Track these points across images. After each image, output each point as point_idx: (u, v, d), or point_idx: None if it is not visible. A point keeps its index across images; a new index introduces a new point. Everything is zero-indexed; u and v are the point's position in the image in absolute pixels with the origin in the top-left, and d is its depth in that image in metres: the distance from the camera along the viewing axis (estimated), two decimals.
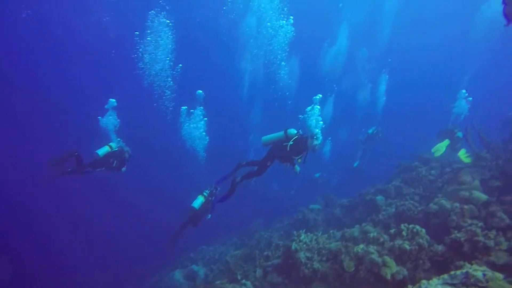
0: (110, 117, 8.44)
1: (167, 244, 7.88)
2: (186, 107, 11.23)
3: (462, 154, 8.68)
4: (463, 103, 11.51)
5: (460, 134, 9.71)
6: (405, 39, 30.72)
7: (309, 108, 6.69)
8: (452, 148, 9.34)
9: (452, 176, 7.11)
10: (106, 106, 8.48)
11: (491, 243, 4.62)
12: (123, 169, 7.73)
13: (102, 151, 7.13)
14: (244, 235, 13.10)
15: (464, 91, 11.62)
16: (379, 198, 8.31)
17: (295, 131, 6.24)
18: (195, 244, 13.04)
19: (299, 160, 6.18)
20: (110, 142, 7.46)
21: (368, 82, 20.52)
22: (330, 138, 16.93)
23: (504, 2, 4.78)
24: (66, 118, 25.05)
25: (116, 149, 7.46)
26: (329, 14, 23.97)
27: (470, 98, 11.45)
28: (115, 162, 7.40)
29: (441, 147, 9.48)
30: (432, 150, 9.72)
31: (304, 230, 7.21)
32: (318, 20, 26.95)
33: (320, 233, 7.55)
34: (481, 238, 4.66)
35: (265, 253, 7.73)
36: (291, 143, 6.06)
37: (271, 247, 7.97)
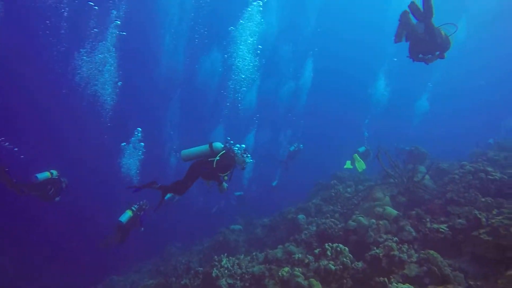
0: None
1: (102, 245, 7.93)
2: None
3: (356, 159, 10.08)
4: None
5: (361, 149, 11.26)
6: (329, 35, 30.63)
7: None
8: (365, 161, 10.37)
9: (366, 193, 7.54)
10: None
11: (404, 256, 4.81)
12: (57, 198, 7.57)
13: (42, 176, 7.02)
14: (160, 260, 11.97)
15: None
16: (301, 216, 8.32)
17: (222, 145, 5.67)
18: (104, 273, 11.63)
19: (226, 178, 5.58)
20: (51, 169, 7.34)
21: (290, 80, 20.67)
22: (255, 130, 16.72)
23: (399, 20, 5.27)
24: None
25: (56, 177, 7.36)
26: None
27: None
28: (52, 189, 7.28)
29: (348, 164, 10.93)
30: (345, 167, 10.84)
31: (225, 254, 6.70)
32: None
33: (243, 256, 7.14)
34: (396, 253, 4.82)
35: (183, 281, 6.91)
36: (218, 158, 5.45)
37: (189, 274, 7.19)
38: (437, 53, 5.47)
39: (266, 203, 16.01)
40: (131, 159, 11.36)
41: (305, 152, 14.36)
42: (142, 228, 8.19)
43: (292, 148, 13.93)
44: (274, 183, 16.16)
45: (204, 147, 5.67)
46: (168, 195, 11.65)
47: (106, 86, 10.91)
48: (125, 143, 10.94)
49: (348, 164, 10.90)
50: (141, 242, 12.72)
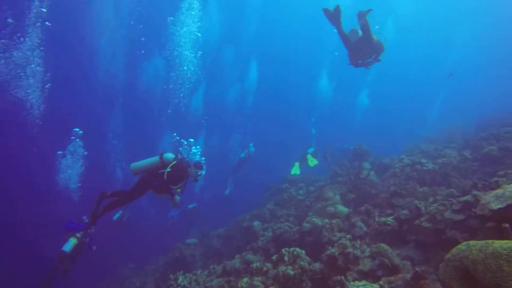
0: None
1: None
2: None
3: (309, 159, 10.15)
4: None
5: (310, 150, 11.24)
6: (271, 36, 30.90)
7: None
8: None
9: (318, 194, 7.74)
10: None
11: (358, 252, 4.98)
12: None
13: None
14: (114, 285, 10.99)
15: None
16: (256, 223, 8.25)
17: (173, 156, 5.34)
18: None
19: (178, 190, 5.26)
20: None
21: (236, 82, 20.59)
22: (204, 134, 16.36)
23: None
24: None
25: None
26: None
27: None
28: None
29: (295, 168, 10.70)
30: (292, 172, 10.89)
31: (181, 272, 6.36)
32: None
33: (200, 270, 6.85)
34: (350, 250, 4.97)
35: None
36: (169, 169, 5.12)
37: None
38: (374, 56, 5.91)
39: (220, 213, 15.66)
40: (70, 170, 10.22)
41: (256, 155, 14.29)
42: (94, 247, 7.71)
43: (242, 155, 13.84)
44: (226, 192, 15.91)
45: (154, 159, 5.33)
46: (117, 215, 10.87)
47: (31, 90, 9.34)
48: (61, 152, 9.77)
49: (296, 168, 10.94)
50: (90, 266, 11.62)
